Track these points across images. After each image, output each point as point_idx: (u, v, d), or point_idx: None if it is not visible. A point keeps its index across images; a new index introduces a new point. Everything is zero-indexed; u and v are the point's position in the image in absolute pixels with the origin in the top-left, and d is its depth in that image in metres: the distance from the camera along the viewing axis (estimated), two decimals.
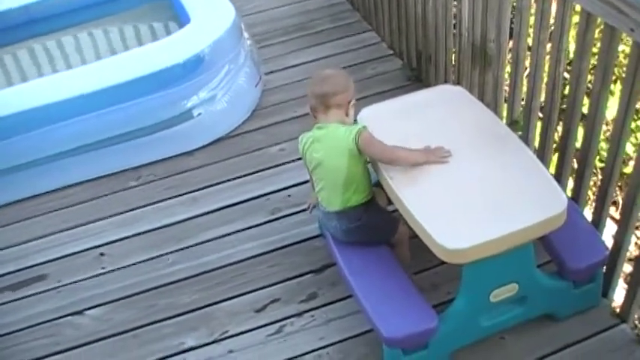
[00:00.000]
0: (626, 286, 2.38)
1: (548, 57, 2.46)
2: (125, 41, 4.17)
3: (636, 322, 2.48)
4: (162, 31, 4.11)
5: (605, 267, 2.38)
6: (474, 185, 2.17)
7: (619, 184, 3.26)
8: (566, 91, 2.45)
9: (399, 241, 2.45)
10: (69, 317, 2.65)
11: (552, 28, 2.41)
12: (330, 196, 2.37)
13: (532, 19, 2.50)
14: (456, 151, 2.28)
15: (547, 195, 2.11)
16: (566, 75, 2.75)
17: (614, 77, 2.61)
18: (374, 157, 2.28)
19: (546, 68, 2.50)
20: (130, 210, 3.08)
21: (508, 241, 2.04)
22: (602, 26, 2.19)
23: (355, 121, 2.41)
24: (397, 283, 2.26)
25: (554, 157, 2.67)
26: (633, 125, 2.99)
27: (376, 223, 2.40)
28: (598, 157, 2.84)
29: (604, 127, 3.05)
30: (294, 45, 3.96)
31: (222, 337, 2.49)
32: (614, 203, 3.32)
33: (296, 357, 2.39)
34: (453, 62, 3.21)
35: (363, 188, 2.35)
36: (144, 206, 3.08)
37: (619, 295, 2.48)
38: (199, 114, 3.29)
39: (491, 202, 2.10)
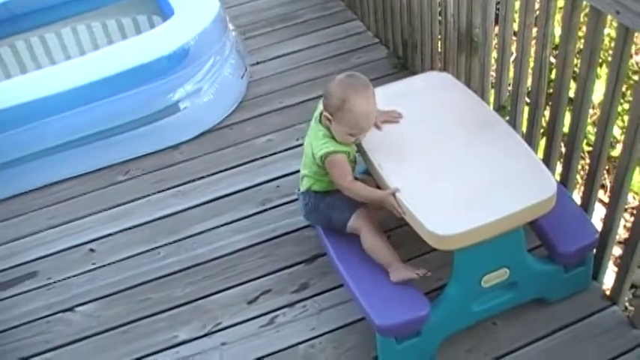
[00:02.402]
0: (616, 269, 2.40)
1: (533, 42, 2.46)
2: (109, 36, 4.14)
3: (626, 304, 2.50)
4: (145, 24, 4.08)
5: (595, 250, 2.39)
6: (462, 171, 2.17)
7: (607, 167, 3.28)
8: (553, 76, 2.45)
9: (357, 232, 2.37)
10: (60, 314, 2.64)
11: (538, 12, 2.41)
12: (302, 175, 2.42)
13: (517, 4, 2.50)
14: (445, 137, 2.28)
15: (536, 179, 2.11)
16: (553, 60, 2.76)
17: (600, 61, 2.62)
18: (333, 179, 2.29)
19: (532, 53, 2.50)
20: (119, 205, 3.06)
21: (498, 226, 2.04)
22: (587, 10, 2.19)
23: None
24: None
25: (542, 142, 2.68)
26: (620, 109, 2.99)
27: (332, 203, 2.38)
28: (586, 141, 2.86)
29: (591, 111, 3.08)
30: (279, 36, 3.94)
31: (215, 329, 2.49)
32: (603, 187, 3.34)
33: (289, 347, 2.39)
34: (439, 49, 3.20)
35: (329, 184, 2.36)
36: (133, 201, 3.07)
37: (609, 278, 2.50)
38: (185, 107, 3.27)
39: (481, 187, 2.10)
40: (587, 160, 2.78)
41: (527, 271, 2.25)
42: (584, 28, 2.24)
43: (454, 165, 2.19)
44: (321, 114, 2.29)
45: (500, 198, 2.07)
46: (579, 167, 2.72)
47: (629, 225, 3.13)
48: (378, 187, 2.36)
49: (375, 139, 2.30)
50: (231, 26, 3.58)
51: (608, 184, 3.32)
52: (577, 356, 2.25)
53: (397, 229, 2.52)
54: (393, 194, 2.12)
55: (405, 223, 2.15)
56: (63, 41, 4.13)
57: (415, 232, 2.09)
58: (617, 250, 2.69)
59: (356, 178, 2.32)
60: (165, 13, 3.53)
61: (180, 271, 2.72)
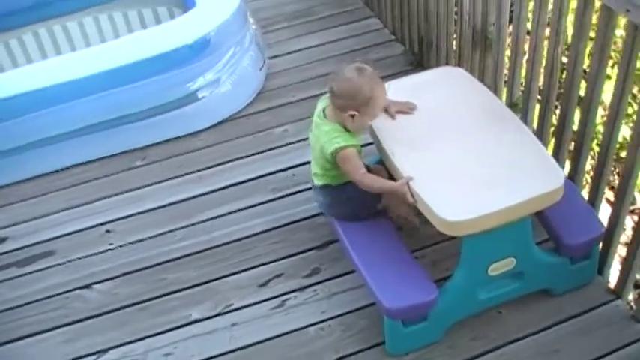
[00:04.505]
0: (620, 266, 2.45)
1: (546, 41, 2.52)
2: (129, 25, 4.23)
3: (630, 302, 2.54)
4: (166, 16, 4.17)
5: (600, 245, 2.45)
6: (473, 161, 2.23)
7: (616, 169, 3.32)
8: (564, 74, 2.51)
9: (393, 208, 2.47)
10: (77, 291, 2.72)
11: (550, 13, 2.47)
12: (314, 172, 2.47)
13: (531, 4, 2.56)
14: (457, 129, 2.35)
15: (545, 171, 2.17)
16: (564, 60, 2.81)
17: (611, 62, 2.67)
18: (347, 174, 2.33)
19: (544, 53, 2.56)
20: (136, 189, 3.14)
21: (507, 214, 2.10)
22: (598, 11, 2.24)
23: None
24: (398, 257, 2.32)
25: (552, 141, 2.73)
26: (630, 110, 3.04)
27: (351, 196, 2.41)
28: (596, 142, 2.91)
29: (602, 112, 3.13)
30: (297, 30, 4.01)
31: (226, 310, 2.56)
32: (612, 188, 3.37)
33: (298, 329, 2.45)
34: (454, 48, 3.26)
35: (343, 177, 2.39)
36: (150, 185, 3.15)
37: (613, 273, 2.55)
38: (205, 96, 3.35)
39: (491, 176, 2.16)
40: (597, 160, 2.82)
41: (533, 261, 2.30)
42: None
43: (465, 155, 2.26)
44: (324, 109, 2.34)
45: (509, 188, 2.13)
46: (588, 168, 2.77)
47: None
48: (391, 177, 2.43)
49: (389, 128, 2.37)
50: (250, 19, 3.66)
51: (616, 182, 3.35)
52: (581, 347, 2.30)
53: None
54: (407, 184, 2.18)
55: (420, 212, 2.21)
56: (85, 30, 4.22)
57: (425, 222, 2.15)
58: (622, 251, 2.73)
59: (368, 168, 2.39)
60: (188, 4, 3.61)
61: (195, 253, 2.79)
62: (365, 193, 2.35)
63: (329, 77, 2.31)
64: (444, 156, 2.26)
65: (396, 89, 2.59)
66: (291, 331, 2.45)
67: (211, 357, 2.41)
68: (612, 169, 2.74)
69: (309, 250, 2.73)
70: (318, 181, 2.46)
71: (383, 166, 2.51)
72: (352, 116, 2.24)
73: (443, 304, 2.24)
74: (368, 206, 2.44)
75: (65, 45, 4.18)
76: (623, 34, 3.11)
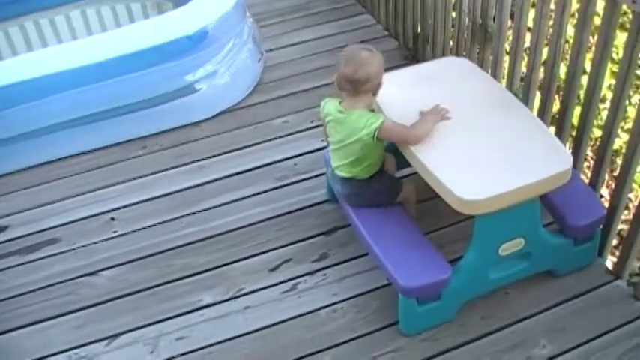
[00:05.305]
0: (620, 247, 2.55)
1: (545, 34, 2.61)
2: (117, 19, 4.23)
3: (630, 281, 2.64)
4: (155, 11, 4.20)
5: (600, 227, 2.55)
6: (485, 145, 2.31)
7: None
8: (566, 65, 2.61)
9: (406, 200, 2.57)
10: (85, 277, 2.71)
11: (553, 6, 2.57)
12: (340, 165, 2.48)
13: None
14: (467, 115, 2.42)
15: (554, 154, 2.26)
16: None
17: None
18: (395, 142, 2.39)
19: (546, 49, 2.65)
20: (139, 177, 3.15)
21: (519, 194, 2.18)
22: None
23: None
24: (412, 238, 2.39)
25: (552, 130, 2.82)
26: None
27: (377, 189, 2.51)
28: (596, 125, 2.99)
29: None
30: (291, 25, 4.08)
31: (238, 294, 2.59)
32: (611, 172, 3.46)
33: (312, 311, 2.50)
34: (451, 43, 3.35)
35: (372, 167, 2.46)
36: (152, 174, 3.16)
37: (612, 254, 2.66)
38: (204, 87, 3.38)
39: (503, 159, 2.25)
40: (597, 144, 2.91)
41: (540, 242, 2.39)
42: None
43: (477, 139, 2.33)
44: (338, 105, 2.39)
45: (521, 169, 2.21)
46: (590, 154, 2.86)
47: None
48: (398, 164, 2.58)
49: (402, 115, 2.42)
50: (247, 13, 3.70)
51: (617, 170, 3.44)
52: (585, 324, 2.39)
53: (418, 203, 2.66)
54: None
55: (426, 198, 2.27)
56: (72, 24, 4.21)
57: (431, 208, 2.21)
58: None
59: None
60: None
61: (203, 240, 2.82)
62: (389, 186, 2.47)
63: (341, 73, 2.30)
64: (457, 140, 2.33)
65: (404, 77, 2.68)
66: (305, 313, 2.49)
67: (227, 339, 2.43)
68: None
69: (317, 235, 2.78)
70: (343, 173, 2.48)
71: (391, 154, 2.58)
72: (373, 94, 2.34)
73: (456, 283, 2.30)
74: (389, 198, 2.51)
75: (52, 38, 4.17)
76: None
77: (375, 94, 2.37)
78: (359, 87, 2.30)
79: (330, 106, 2.43)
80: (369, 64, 2.28)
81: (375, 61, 2.30)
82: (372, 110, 2.39)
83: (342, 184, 2.51)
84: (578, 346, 2.32)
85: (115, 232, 2.90)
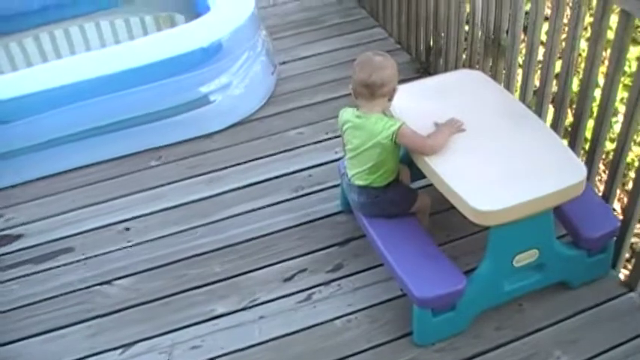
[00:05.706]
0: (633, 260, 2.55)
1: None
2: (131, 32, 4.28)
3: None
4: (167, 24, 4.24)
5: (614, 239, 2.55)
6: (500, 156, 2.33)
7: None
8: (580, 77, 2.63)
9: (420, 211, 2.58)
10: (98, 287, 2.72)
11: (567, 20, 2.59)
12: (357, 173, 2.49)
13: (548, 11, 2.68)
14: (482, 126, 2.44)
15: (568, 165, 2.28)
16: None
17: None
18: (411, 150, 2.40)
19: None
20: (153, 188, 3.17)
21: (534, 205, 2.19)
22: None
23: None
24: (426, 249, 2.40)
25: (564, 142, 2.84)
26: None
27: (393, 199, 2.52)
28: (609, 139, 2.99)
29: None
30: (305, 38, 4.12)
31: (252, 304, 2.59)
32: (623, 186, 3.46)
33: (327, 322, 2.50)
34: (464, 56, 3.38)
35: (389, 174, 2.48)
36: (166, 184, 3.18)
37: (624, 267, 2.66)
38: (218, 98, 3.41)
39: (518, 171, 2.26)
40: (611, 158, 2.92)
41: (554, 253, 2.40)
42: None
43: (492, 151, 2.35)
44: (356, 112, 2.42)
45: (536, 180, 2.22)
46: (602, 168, 2.87)
47: None
48: (412, 177, 2.63)
49: (417, 126, 2.44)
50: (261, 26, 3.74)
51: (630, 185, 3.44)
52: (598, 336, 2.39)
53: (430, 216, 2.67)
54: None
55: (438, 211, 2.28)
56: (86, 35, 4.26)
57: (443, 221, 2.21)
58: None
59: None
60: (199, 10, 3.67)
61: (216, 250, 2.83)
62: (404, 195, 2.48)
63: (356, 79, 2.35)
64: (472, 151, 2.34)
65: (418, 90, 2.70)
66: (320, 324, 2.50)
67: (242, 349, 2.44)
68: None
69: (331, 246, 2.79)
70: (359, 181, 2.49)
71: (406, 165, 2.60)
72: (389, 99, 2.38)
73: (470, 294, 2.31)
74: (404, 208, 2.52)
75: (66, 50, 4.21)
76: None
77: (390, 99, 2.40)
78: (375, 91, 2.33)
79: (347, 113, 2.47)
80: (383, 67, 2.32)
81: (389, 65, 2.35)
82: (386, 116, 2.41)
83: (358, 193, 2.52)
84: (592, 357, 2.33)
85: (129, 241, 2.92)
